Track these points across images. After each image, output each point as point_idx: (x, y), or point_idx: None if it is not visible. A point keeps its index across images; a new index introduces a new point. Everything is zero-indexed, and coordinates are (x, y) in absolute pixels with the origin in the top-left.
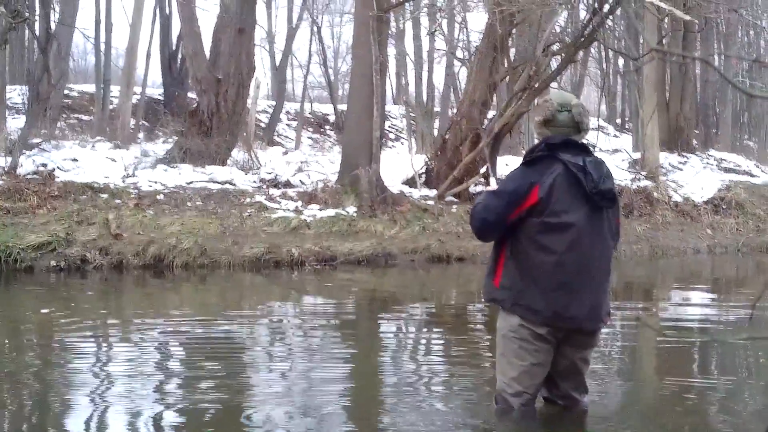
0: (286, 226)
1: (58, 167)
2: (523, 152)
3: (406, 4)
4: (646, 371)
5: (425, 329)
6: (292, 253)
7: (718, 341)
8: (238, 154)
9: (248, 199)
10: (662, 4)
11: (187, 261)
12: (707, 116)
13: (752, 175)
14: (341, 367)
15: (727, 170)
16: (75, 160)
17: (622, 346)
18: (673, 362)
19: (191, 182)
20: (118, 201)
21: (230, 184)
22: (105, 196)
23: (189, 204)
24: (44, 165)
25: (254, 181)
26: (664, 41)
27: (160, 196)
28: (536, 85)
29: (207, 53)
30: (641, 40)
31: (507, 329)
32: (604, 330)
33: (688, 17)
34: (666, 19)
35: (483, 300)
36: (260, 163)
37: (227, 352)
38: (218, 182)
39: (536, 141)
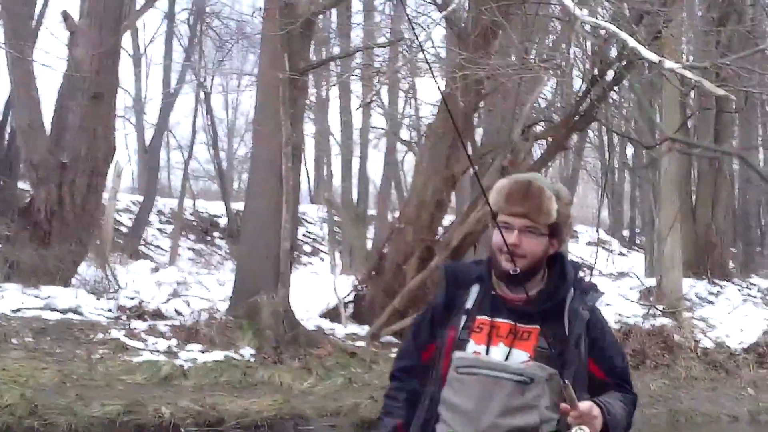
0: (154, 375)
1: None
2: None
3: (332, 63)
4: None
5: None
6: (161, 414)
7: None
8: (87, 270)
9: (100, 335)
10: (687, 73)
11: (10, 423)
12: (748, 229)
13: None
14: None
15: None
16: None
17: None
18: None
19: (19, 309)
20: None
21: (75, 312)
22: None
23: (15, 341)
24: None
25: (110, 310)
26: (689, 123)
27: None
28: None
29: (48, 127)
30: (659, 119)
31: None
32: None
33: (722, 92)
34: (692, 94)
35: None
36: (119, 283)
37: None
38: (58, 310)
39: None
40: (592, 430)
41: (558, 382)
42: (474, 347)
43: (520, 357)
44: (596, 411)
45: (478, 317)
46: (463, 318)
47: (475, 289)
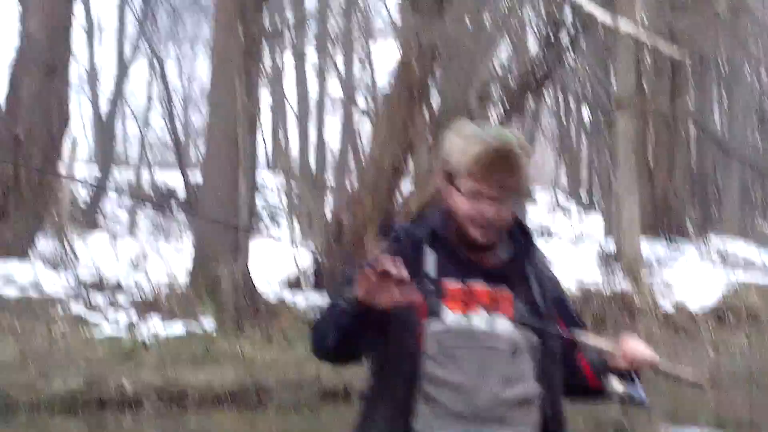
0: (116, 349)
1: None
2: None
3: (287, 32)
4: None
5: None
6: (123, 389)
7: None
8: (45, 243)
9: (60, 310)
10: (642, 36)
11: None
12: (706, 189)
13: None
14: None
15: (735, 266)
16: None
17: None
18: None
19: None
20: None
21: (34, 287)
22: None
23: None
24: None
25: (69, 283)
26: (644, 84)
27: None
28: None
29: (1, 102)
30: (614, 81)
31: None
32: None
33: (677, 53)
34: (646, 54)
35: None
36: (78, 257)
37: None
38: (17, 285)
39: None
40: (650, 365)
41: (542, 351)
42: (452, 316)
43: (503, 324)
44: (635, 336)
45: (447, 282)
46: (429, 284)
47: (428, 251)
